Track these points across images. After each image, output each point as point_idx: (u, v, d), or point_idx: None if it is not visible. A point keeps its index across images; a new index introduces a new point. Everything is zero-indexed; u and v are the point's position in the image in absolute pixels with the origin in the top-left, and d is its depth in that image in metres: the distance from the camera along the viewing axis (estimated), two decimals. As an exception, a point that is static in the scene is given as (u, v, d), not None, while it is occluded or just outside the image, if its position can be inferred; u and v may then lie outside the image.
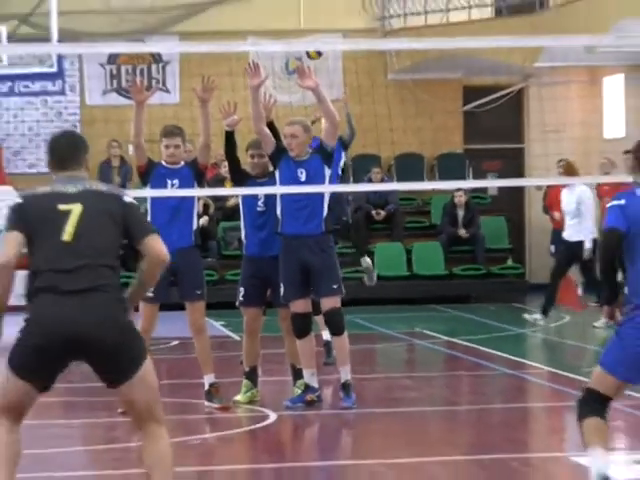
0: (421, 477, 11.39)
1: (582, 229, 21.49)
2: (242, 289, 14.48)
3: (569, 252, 21.75)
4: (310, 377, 13.92)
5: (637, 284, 9.00)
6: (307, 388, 13.81)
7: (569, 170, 22.33)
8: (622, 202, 9.05)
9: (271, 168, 14.33)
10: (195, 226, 14.32)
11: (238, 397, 14.35)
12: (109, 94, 27.39)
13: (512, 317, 21.82)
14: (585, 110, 28.49)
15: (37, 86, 27.34)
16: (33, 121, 27.13)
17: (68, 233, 8.15)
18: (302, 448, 13.59)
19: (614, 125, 27.36)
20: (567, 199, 21.17)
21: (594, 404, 9.14)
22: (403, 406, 14.93)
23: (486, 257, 25.19)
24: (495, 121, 28.26)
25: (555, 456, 11.89)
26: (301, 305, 14.20)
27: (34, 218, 8.31)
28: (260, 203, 14.40)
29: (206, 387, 13.82)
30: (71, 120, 27.10)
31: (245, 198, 14.68)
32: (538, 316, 21.50)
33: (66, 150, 8.67)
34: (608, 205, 9.38)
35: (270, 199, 14.39)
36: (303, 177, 14.07)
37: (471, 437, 13.79)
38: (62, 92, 27.42)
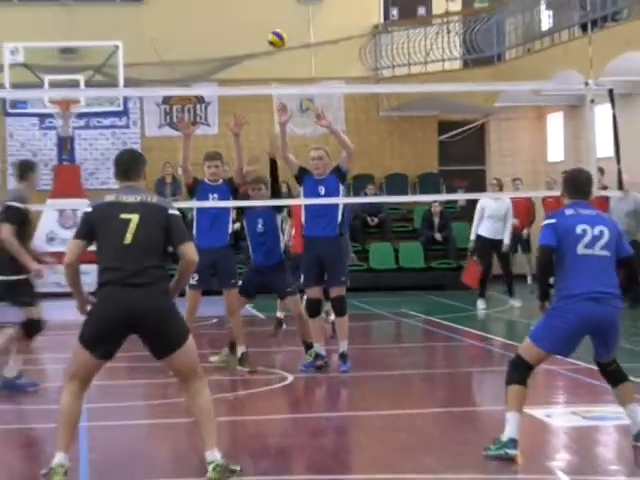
0: (406, 425, 11.37)
1: (504, 230, 21.84)
2: (241, 282, 14.84)
3: (491, 246, 21.88)
4: (319, 348, 14.04)
5: (564, 283, 8.99)
6: (317, 356, 13.89)
7: (500, 186, 22.54)
8: (553, 221, 9.07)
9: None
10: (230, 230, 14.53)
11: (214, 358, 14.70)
12: (163, 127, 27.35)
13: (474, 300, 21.75)
14: (533, 140, 28.45)
15: (107, 121, 27.26)
16: (104, 149, 27.06)
17: (128, 238, 8.31)
18: (313, 402, 13.69)
19: (555, 151, 27.38)
20: (497, 206, 21.17)
21: (520, 370, 9.18)
22: (391, 370, 14.98)
23: (456, 254, 25.12)
24: (463, 148, 28.20)
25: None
26: (315, 292, 14.34)
27: (101, 225, 8.45)
28: (260, 226, 14.59)
29: (238, 355, 13.94)
30: (133, 148, 27.12)
31: (248, 222, 14.96)
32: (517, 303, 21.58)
33: (128, 163, 8.86)
34: (543, 224, 9.32)
35: (267, 222, 14.67)
36: (322, 192, 14.09)
37: (445, 394, 13.78)
38: (127, 126, 27.38)
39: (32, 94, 24.94)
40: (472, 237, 21.85)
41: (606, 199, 19.42)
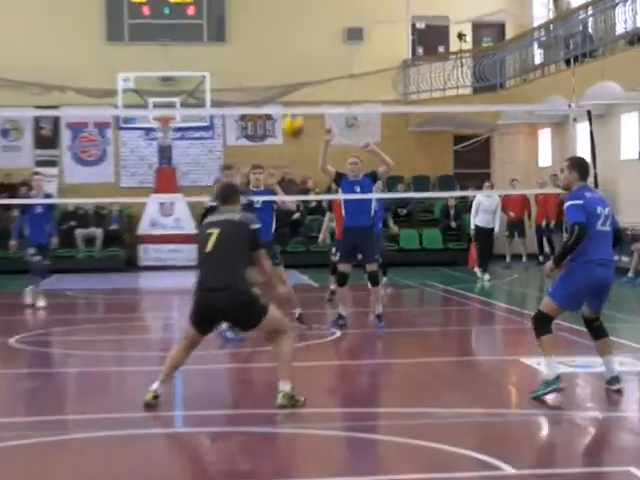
0: (428, 370, 11.41)
1: (495, 220, 21.76)
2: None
3: (485, 233, 21.77)
4: (342, 309, 14.00)
5: (583, 252, 8.76)
6: (339, 316, 13.92)
7: (492, 187, 22.60)
8: (581, 202, 8.81)
9: None
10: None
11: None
12: (240, 139, 27.47)
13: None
14: (527, 149, 28.28)
15: (197, 134, 27.32)
16: (194, 155, 27.21)
17: (209, 247, 8.63)
18: (355, 352, 13.42)
19: (545, 159, 27.29)
20: (489, 202, 21.19)
21: (544, 323, 9.04)
22: (417, 327, 14.96)
23: (467, 238, 25.04)
24: (473, 156, 28.10)
25: (510, 359, 11.87)
26: (346, 267, 14.12)
27: (199, 234, 9.17)
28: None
29: (297, 316, 13.64)
30: (217, 154, 27.17)
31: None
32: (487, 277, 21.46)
33: (226, 193, 9.21)
34: (570, 204, 9.02)
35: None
36: (358, 190, 14.04)
37: (458, 346, 13.78)
38: (212, 137, 27.47)
39: (139, 113, 25.32)
40: (472, 227, 21.93)
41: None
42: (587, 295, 9.03)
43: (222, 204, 9.19)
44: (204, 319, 8.88)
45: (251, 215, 9.59)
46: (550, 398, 8.81)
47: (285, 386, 8.64)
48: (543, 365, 9.20)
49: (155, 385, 8.73)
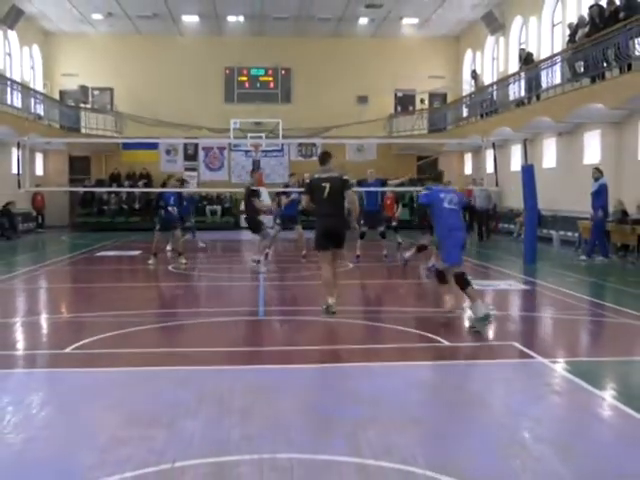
0: (401, 287, 11.39)
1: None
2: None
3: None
4: (407, 254, 12.98)
5: (444, 223, 7.73)
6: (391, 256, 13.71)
7: (474, 182, 21.06)
8: (429, 192, 7.91)
9: None
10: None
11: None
12: (298, 157, 27.49)
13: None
14: (459, 165, 27.95)
15: (273, 154, 27.42)
16: (272, 165, 27.26)
17: (325, 194, 8.04)
18: (366, 275, 12.95)
19: (468, 170, 27.06)
20: (479, 194, 20.80)
21: (446, 276, 7.90)
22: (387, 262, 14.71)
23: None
24: (427, 168, 28.01)
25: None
26: (365, 229, 13.88)
27: (314, 188, 8.18)
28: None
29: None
30: (284, 165, 27.16)
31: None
32: None
33: (323, 158, 8.35)
34: (421, 194, 8.11)
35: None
36: (372, 188, 14.01)
37: (416, 275, 13.60)
38: (282, 156, 27.55)
39: (242, 141, 25.27)
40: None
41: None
42: (456, 249, 7.71)
43: (321, 164, 8.30)
44: (326, 237, 8.15)
45: (343, 171, 8.76)
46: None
47: (332, 299, 7.92)
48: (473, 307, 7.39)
49: (330, 300, 7.92)
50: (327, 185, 8.06)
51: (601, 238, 14.23)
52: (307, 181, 8.59)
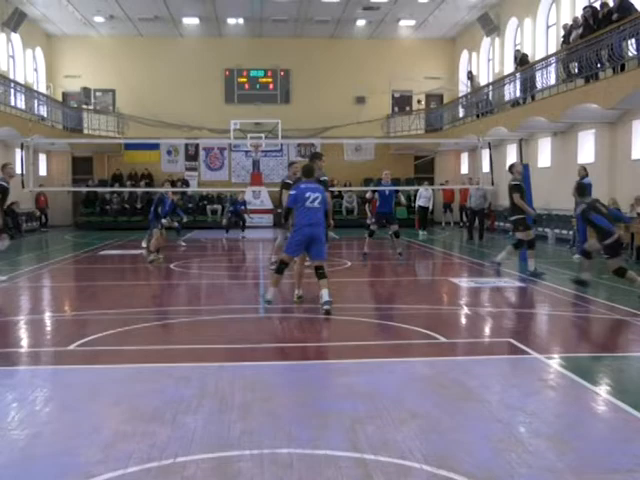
0: (399, 285, 11.41)
1: (429, 203, 21.64)
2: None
3: (424, 209, 21.58)
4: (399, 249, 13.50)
5: (298, 220, 8.15)
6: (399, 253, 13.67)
7: (470, 182, 21.42)
8: (294, 192, 8.22)
9: None
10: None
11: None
12: (297, 157, 27.44)
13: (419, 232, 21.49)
14: (455, 164, 27.94)
15: (273, 154, 27.40)
16: (272, 165, 27.24)
17: (307, 203, 8.07)
18: (363, 274, 12.85)
19: (464, 169, 27.03)
20: (426, 193, 20.85)
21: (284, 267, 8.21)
22: (392, 260, 14.72)
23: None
24: (424, 167, 27.95)
25: (442, 279, 11.84)
26: (375, 228, 13.98)
27: (297, 196, 8.13)
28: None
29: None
30: (284, 165, 27.04)
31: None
32: None
33: (306, 171, 8.46)
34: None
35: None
36: (387, 192, 13.92)
37: (412, 271, 13.54)
38: (281, 156, 27.51)
39: (242, 142, 25.27)
40: (416, 206, 22.04)
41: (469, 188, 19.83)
42: (304, 244, 8.16)
43: (304, 177, 8.45)
44: (303, 244, 8.17)
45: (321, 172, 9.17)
46: (464, 298, 8.82)
47: (326, 294, 8.04)
48: (463, 282, 8.80)
49: (297, 291, 8.72)
50: (312, 195, 8.08)
51: (583, 235, 14.20)
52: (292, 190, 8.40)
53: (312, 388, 5.13)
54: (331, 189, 23.43)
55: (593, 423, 4.34)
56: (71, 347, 6.33)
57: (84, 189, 25.71)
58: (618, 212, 11.92)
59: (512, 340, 6.59)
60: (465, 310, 8.54)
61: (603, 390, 5.02)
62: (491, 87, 23.31)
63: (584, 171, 14.58)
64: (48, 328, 7.72)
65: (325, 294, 7.96)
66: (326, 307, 7.87)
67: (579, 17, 17.17)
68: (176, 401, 4.65)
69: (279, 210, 11.51)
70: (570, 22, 17.79)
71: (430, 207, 22.11)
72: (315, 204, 8.11)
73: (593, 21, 16.02)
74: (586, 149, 17.87)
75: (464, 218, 23.90)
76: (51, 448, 3.88)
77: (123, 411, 4.51)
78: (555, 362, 5.79)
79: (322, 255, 8.25)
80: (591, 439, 4.04)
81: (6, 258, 15.24)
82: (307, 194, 8.09)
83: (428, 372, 5.59)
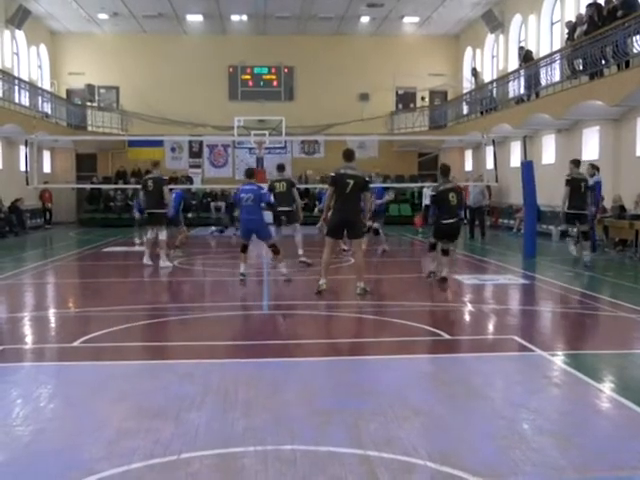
0: (402, 282, 11.39)
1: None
2: None
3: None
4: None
5: (241, 215, 10.15)
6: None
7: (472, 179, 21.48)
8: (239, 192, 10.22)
9: None
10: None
11: None
12: (301, 154, 27.45)
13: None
14: (460, 161, 27.88)
15: (277, 151, 27.29)
16: (275, 162, 26.84)
17: (348, 190, 8.65)
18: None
19: (468, 166, 26.95)
20: (472, 189, 20.74)
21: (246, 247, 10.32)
22: (399, 257, 14.79)
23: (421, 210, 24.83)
24: (428, 164, 27.84)
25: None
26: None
27: (338, 182, 8.71)
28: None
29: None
30: (288, 160, 27.03)
31: None
32: None
33: (349, 155, 8.99)
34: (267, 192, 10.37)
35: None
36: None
37: (416, 267, 13.62)
38: (285, 153, 27.41)
39: (246, 139, 25.24)
40: (423, 204, 21.67)
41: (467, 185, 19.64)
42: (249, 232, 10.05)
43: (345, 161, 8.90)
44: (339, 227, 8.85)
45: (366, 172, 9.73)
46: (467, 295, 8.84)
47: (361, 284, 8.82)
48: (466, 279, 8.93)
49: (322, 280, 8.92)
50: (351, 182, 8.64)
51: (593, 233, 14.14)
52: (332, 174, 8.85)
53: (316, 385, 5.13)
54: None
55: (597, 420, 4.31)
56: (75, 344, 6.33)
57: (88, 186, 25.72)
58: None
59: (516, 337, 6.57)
60: (469, 307, 8.53)
61: (607, 387, 5.00)
62: (495, 84, 23.26)
63: (592, 169, 14.20)
64: (52, 325, 7.73)
65: (282, 266, 10.11)
66: (284, 279, 9.97)
67: (583, 14, 17.10)
68: (180, 398, 4.65)
69: (288, 209, 11.92)
70: (574, 19, 17.72)
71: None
72: (249, 202, 9.78)
73: (598, 18, 15.95)
74: (590, 146, 17.81)
75: (468, 215, 23.99)
76: (55, 444, 3.89)
77: (127, 407, 4.51)
78: (559, 359, 5.77)
79: (267, 236, 10.08)
80: (595, 436, 4.01)
81: (11, 255, 15.27)
82: (242, 195, 9.83)
83: (432, 369, 5.58)
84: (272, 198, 10.68)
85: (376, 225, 13.80)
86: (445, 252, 9.95)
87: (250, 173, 10.60)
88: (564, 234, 14.82)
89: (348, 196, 8.65)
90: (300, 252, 12.15)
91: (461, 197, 9.91)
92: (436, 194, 9.70)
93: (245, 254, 10.34)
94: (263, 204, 10.04)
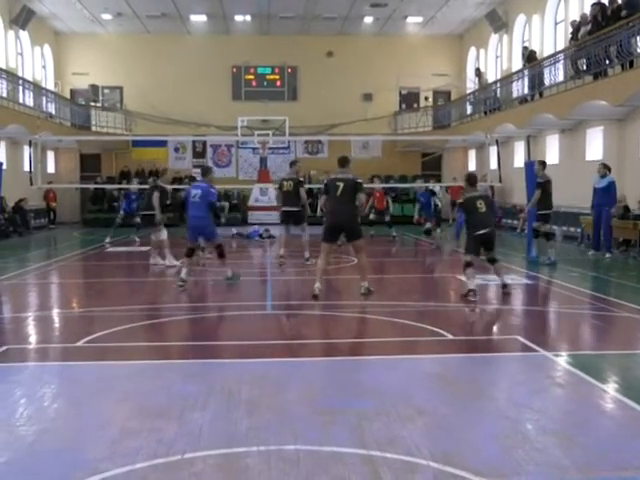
0: (405, 282, 11.34)
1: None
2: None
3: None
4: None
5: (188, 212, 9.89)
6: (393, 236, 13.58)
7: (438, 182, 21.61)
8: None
9: None
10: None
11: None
12: (304, 154, 27.44)
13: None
14: (463, 161, 27.88)
15: (280, 151, 27.32)
16: (279, 162, 27.04)
17: (338, 192, 8.58)
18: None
19: (472, 166, 26.91)
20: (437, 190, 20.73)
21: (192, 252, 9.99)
22: (404, 257, 14.64)
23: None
24: (432, 164, 27.85)
25: (450, 275, 11.85)
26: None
27: (329, 187, 8.71)
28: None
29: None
30: (291, 159, 26.95)
31: None
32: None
33: (342, 161, 8.96)
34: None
35: None
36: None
37: (420, 267, 13.53)
38: (289, 153, 27.35)
39: (250, 139, 25.24)
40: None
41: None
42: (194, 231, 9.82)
43: (339, 167, 8.89)
44: (332, 231, 8.76)
45: (357, 175, 9.11)
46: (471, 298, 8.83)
47: (365, 283, 8.82)
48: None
49: (317, 284, 8.65)
50: (341, 184, 8.57)
51: (607, 234, 14.12)
52: (325, 181, 8.98)
53: (319, 385, 5.13)
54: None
55: (601, 420, 4.30)
56: (79, 343, 6.34)
57: (92, 186, 25.76)
58: None
59: (519, 337, 6.56)
60: (472, 307, 8.52)
61: (611, 387, 4.99)
62: (499, 84, 23.22)
63: (605, 169, 14.03)
64: (56, 325, 7.74)
65: (229, 272, 9.99)
66: (227, 282, 9.93)
67: (587, 13, 17.07)
68: (183, 397, 4.65)
69: (297, 209, 11.96)
70: (578, 19, 17.68)
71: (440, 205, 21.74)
72: (196, 199, 9.58)
73: (602, 17, 15.92)
74: (594, 146, 17.77)
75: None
76: (59, 444, 3.90)
77: (131, 407, 4.52)
78: (563, 359, 5.76)
79: (212, 236, 9.90)
80: (598, 436, 4.00)
81: (15, 255, 15.31)
82: (191, 191, 9.73)
83: (435, 369, 5.58)
84: (216, 200, 9.93)
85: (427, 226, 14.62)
86: (491, 260, 9.47)
87: (204, 171, 10.24)
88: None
89: (339, 199, 8.56)
90: (307, 255, 12.12)
91: (491, 204, 9.21)
92: (463, 202, 9.24)
93: (190, 259, 9.82)
94: (218, 203, 9.67)
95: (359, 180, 8.78)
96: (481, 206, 8.88)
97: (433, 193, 16.58)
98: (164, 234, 12.53)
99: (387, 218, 16.42)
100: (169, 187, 14.32)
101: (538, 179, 12.58)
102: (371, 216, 16.47)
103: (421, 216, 16.98)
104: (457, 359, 5.98)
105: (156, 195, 12.39)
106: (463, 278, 9.20)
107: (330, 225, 8.74)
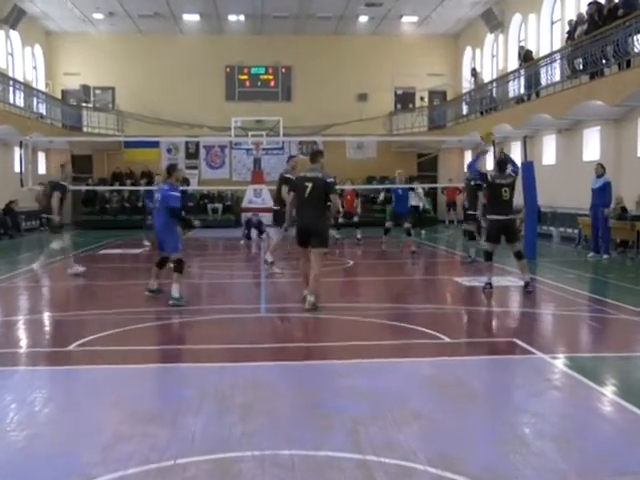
0: (401, 284, 11.35)
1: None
2: None
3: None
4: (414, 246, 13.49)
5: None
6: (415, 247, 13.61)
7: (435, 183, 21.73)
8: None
9: None
10: None
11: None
12: (300, 154, 27.39)
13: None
14: (459, 161, 27.85)
15: (274, 152, 27.30)
16: (273, 163, 27.00)
17: (306, 194, 7.93)
18: (359, 273, 12.88)
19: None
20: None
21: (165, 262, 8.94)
22: (401, 259, 14.74)
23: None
24: (428, 165, 27.90)
25: (446, 278, 11.83)
26: (391, 224, 14.91)
27: (297, 186, 8.09)
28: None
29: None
30: (284, 160, 26.96)
31: None
32: None
33: (312, 156, 8.29)
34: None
35: None
36: (400, 192, 14.51)
37: (416, 270, 13.60)
38: (282, 153, 27.22)
39: (243, 140, 25.23)
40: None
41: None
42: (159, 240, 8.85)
43: (311, 162, 8.18)
44: (301, 235, 8.09)
45: (328, 172, 8.17)
46: (466, 298, 8.82)
47: (310, 295, 8.02)
48: (466, 281, 8.92)
49: (306, 291, 8.13)
50: (309, 185, 7.90)
51: (606, 234, 14.13)
52: (290, 177, 8.58)
53: (314, 389, 5.11)
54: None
55: (599, 424, 4.29)
56: (70, 347, 6.32)
57: (83, 188, 25.68)
58: None
59: (516, 340, 6.56)
60: (469, 309, 8.51)
61: (609, 391, 4.98)
62: (495, 84, 23.27)
63: (602, 169, 14.10)
64: (47, 328, 7.71)
65: (174, 289, 8.36)
66: (170, 302, 8.32)
67: (584, 13, 17.12)
68: (176, 402, 4.64)
69: (276, 208, 11.26)
70: (575, 18, 17.73)
71: (421, 207, 21.47)
72: (157, 204, 8.60)
73: (598, 17, 15.97)
74: (591, 146, 17.82)
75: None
76: (50, 449, 3.87)
77: (123, 412, 4.50)
78: (560, 362, 5.76)
79: (170, 249, 8.51)
80: (597, 440, 4.00)
81: (5, 257, 15.24)
82: (155, 195, 8.81)
83: (432, 372, 5.57)
84: (178, 205, 8.48)
85: (407, 225, 14.61)
86: (518, 255, 9.29)
87: (168, 169, 8.76)
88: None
89: (306, 201, 7.91)
90: (269, 258, 11.86)
91: (513, 194, 9.15)
92: (488, 184, 8.98)
93: (159, 269, 8.87)
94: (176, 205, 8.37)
95: (330, 180, 7.95)
96: (505, 194, 9.01)
97: (411, 189, 16.50)
98: (59, 243, 11.51)
99: (355, 219, 16.72)
100: (70, 186, 12.78)
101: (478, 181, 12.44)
102: (340, 219, 16.56)
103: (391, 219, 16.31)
104: (454, 362, 5.96)
105: (56, 195, 11.04)
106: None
107: (298, 229, 8.15)
